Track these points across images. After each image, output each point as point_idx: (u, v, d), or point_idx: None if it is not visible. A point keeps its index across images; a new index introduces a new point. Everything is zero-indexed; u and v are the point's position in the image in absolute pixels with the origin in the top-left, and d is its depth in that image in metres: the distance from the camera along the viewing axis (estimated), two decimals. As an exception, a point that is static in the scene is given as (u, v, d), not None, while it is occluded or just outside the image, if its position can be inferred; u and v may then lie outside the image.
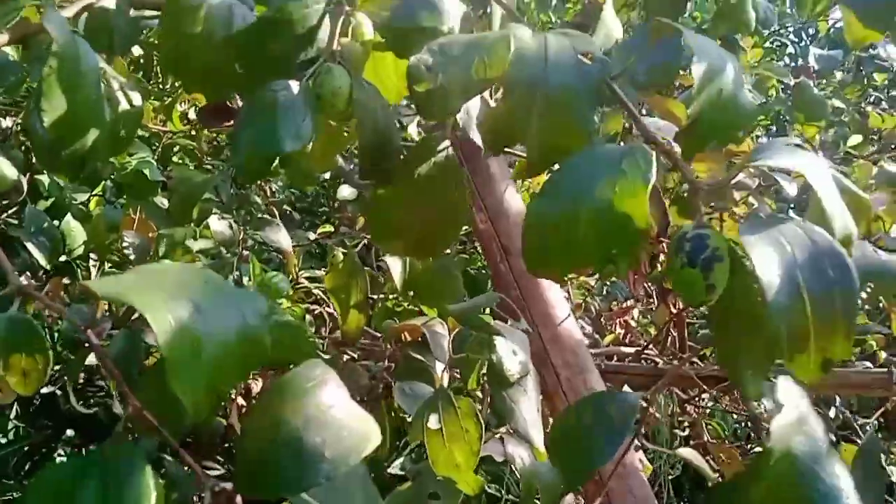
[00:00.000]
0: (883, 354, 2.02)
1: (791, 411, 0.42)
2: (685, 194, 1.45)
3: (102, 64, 0.62)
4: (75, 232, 1.49)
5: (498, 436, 0.95)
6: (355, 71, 0.55)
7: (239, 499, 0.37)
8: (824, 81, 1.89)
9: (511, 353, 0.79)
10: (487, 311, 0.93)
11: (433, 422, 0.81)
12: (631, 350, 1.74)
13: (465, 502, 0.88)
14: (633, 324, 2.04)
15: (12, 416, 1.69)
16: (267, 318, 0.44)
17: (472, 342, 0.84)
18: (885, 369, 1.41)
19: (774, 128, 2.36)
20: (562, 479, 0.52)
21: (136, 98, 0.63)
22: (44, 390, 1.81)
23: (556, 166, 0.53)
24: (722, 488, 0.43)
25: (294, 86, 0.52)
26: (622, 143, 1.24)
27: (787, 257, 0.42)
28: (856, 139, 1.84)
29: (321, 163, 0.77)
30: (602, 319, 2.10)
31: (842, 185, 0.48)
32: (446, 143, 0.58)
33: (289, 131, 0.50)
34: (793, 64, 1.73)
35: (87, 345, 0.99)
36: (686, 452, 0.60)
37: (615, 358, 1.71)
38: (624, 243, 0.48)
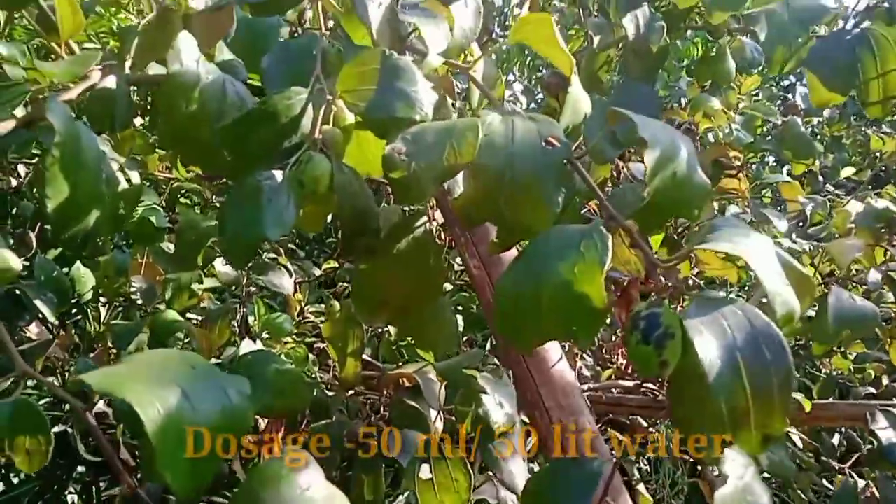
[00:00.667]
0: (885, 380, 2.04)
1: (735, 482, 0.46)
2: (675, 235, 1.48)
3: (103, 146, 0.67)
4: (84, 277, 1.53)
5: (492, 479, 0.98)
6: (336, 155, 0.59)
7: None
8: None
9: (497, 405, 0.82)
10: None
11: (424, 472, 0.84)
12: (631, 383, 1.76)
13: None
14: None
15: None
16: (249, 396, 0.48)
17: (462, 392, 0.88)
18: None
19: (774, 160, 2.39)
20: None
21: (135, 177, 0.67)
22: (55, 429, 1.85)
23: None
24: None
25: (278, 174, 0.56)
26: (613, 186, 1.27)
27: (728, 340, 0.45)
28: (849, 170, 1.87)
29: (311, 226, 0.81)
30: (604, 350, 2.13)
31: (786, 263, 0.51)
32: (424, 219, 0.62)
33: (272, 218, 0.54)
34: (779, 102, 1.76)
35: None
36: None
37: (616, 391, 1.73)
38: (583, 321, 0.51)
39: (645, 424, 2.02)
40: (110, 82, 0.75)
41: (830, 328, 0.88)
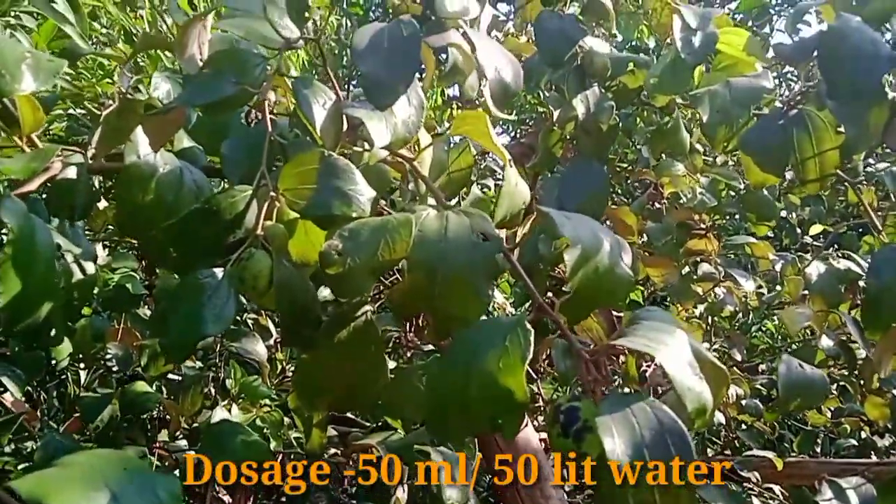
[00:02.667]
0: (864, 434, 2.05)
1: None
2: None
3: (59, 238, 0.69)
4: (61, 346, 1.54)
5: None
6: (278, 250, 0.62)
7: None
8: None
9: (451, 482, 0.83)
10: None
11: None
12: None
13: None
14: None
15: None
16: (178, 497, 0.49)
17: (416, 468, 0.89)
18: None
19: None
20: None
21: (90, 267, 0.69)
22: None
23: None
24: None
25: (218, 272, 0.58)
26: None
27: (636, 438, 0.47)
28: (816, 228, 1.91)
29: (270, 303, 0.84)
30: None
31: (701, 357, 0.54)
32: (365, 308, 0.64)
33: (211, 316, 0.56)
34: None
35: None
36: None
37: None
38: (507, 413, 0.53)
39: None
40: (71, 173, 0.78)
41: (780, 397, 0.90)
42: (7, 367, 1.05)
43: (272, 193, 0.63)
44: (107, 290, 1.49)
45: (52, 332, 0.66)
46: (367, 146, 0.76)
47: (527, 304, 1.58)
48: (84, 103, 1.33)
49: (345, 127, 0.73)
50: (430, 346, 1.88)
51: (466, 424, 0.54)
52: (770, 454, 1.53)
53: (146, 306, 1.63)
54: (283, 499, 1.33)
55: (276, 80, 0.76)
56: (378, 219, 0.61)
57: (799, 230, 2.79)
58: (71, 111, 1.37)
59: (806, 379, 0.91)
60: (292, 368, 1.83)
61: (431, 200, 0.71)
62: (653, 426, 0.48)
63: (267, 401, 1.64)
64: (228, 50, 0.68)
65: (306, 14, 0.69)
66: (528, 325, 0.54)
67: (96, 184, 0.86)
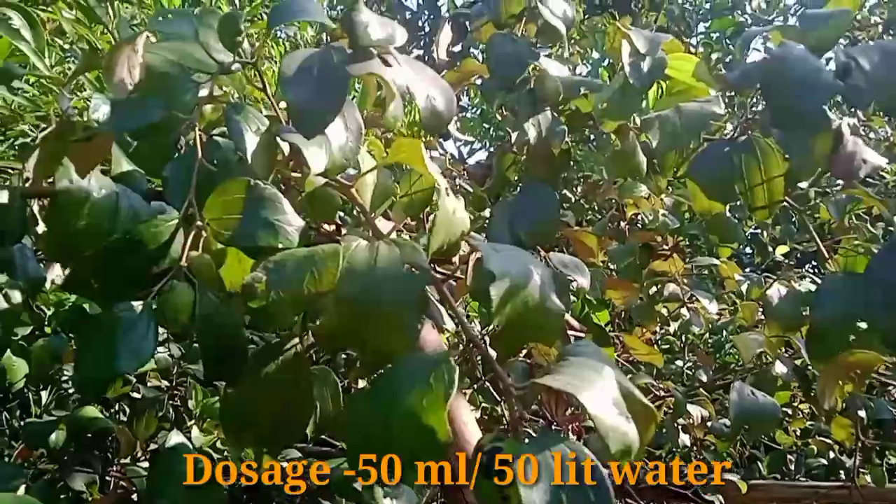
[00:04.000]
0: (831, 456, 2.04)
1: None
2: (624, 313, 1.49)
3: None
4: (16, 366, 1.51)
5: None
6: (203, 283, 0.60)
7: None
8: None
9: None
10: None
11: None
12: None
13: None
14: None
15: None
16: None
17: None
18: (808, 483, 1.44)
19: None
20: None
21: (16, 296, 0.67)
22: None
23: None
24: None
25: (137, 305, 0.57)
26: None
27: (551, 486, 0.46)
28: (783, 249, 1.91)
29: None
30: (553, 427, 2.12)
31: (628, 395, 0.52)
32: (294, 341, 0.63)
33: (127, 351, 0.54)
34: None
35: None
36: None
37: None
38: (429, 453, 0.52)
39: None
40: (3, 198, 0.76)
41: (732, 424, 0.89)
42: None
43: (198, 223, 0.61)
44: (63, 310, 1.47)
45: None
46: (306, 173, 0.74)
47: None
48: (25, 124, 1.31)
49: (286, 152, 0.71)
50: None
51: (392, 464, 0.53)
52: (734, 477, 1.52)
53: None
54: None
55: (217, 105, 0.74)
56: (304, 250, 0.59)
57: (770, 248, 2.80)
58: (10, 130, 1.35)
59: (757, 406, 0.90)
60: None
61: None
62: (573, 470, 0.46)
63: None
64: (157, 74, 0.66)
65: (239, 38, 0.68)
66: (453, 362, 0.53)
67: (35, 208, 0.84)
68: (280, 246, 0.59)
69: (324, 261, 0.58)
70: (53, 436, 1.21)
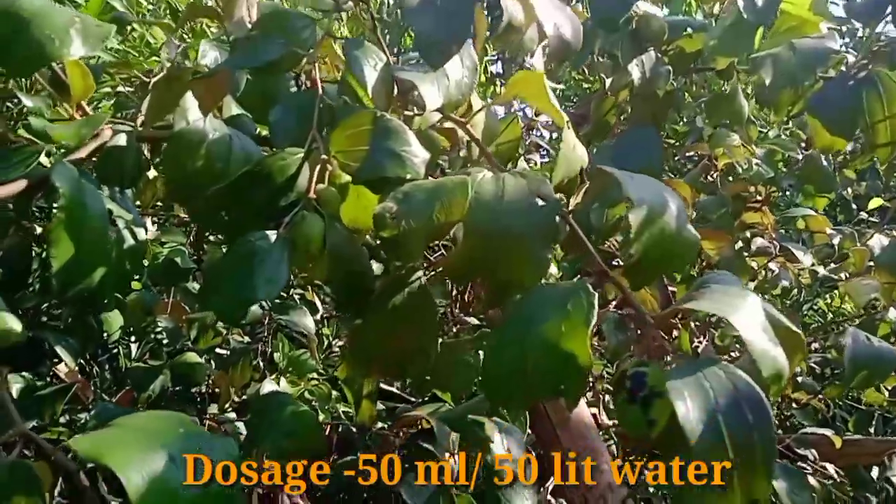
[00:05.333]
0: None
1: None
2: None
3: (109, 204, 0.69)
4: (111, 318, 1.56)
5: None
6: (330, 215, 0.60)
7: None
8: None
9: (505, 452, 0.82)
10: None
11: (434, 518, 0.84)
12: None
13: None
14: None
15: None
16: (238, 459, 0.49)
17: (471, 439, 0.87)
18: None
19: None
20: None
21: (141, 233, 0.69)
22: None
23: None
24: None
25: (271, 235, 0.57)
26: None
27: (710, 403, 0.45)
28: (876, 202, 1.84)
29: (320, 274, 0.83)
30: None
31: (775, 322, 0.51)
32: (419, 273, 0.63)
33: (264, 279, 0.55)
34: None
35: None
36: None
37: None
38: (570, 379, 0.51)
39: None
40: (121, 140, 0.77)
41: (846, 370, 0.87)
42: (61, 338, 1.06)
43: (324, 156, 0.62)
44: (156, 263, 1.50)
45: (105, 300, 0.66)
46: (417, 112, 0.74)
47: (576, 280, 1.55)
48: (131, 80, 1.33)
49: (394, 92, 0.71)
50: (477, 322, 1.87)
51: (527, 391, 0.52)
52: (828, 431, 1.49)
53: (194, 280, 1.64)
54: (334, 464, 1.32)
55: (324, 47, 0.74)
56: (433, 181, 0.59)
57: (854, 206, 2.71)
58: (119, 88, 1.37)
59: (874, 352, 0.87)
60: (339, 343, 1.83)
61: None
62: (727, 392, 0.45)
63: (315, 374, 1.65)
64: (277, 12, 0.66)
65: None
66: (591, 288, 0.52)
67: (145, 153, 0.85)
68: (408, 177, 0.59)
69: (452, 191, 0.57)
70: (158, 381, 1.24)
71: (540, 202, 0.58)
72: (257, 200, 0.61)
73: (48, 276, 1.23)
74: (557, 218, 0.58)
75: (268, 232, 0.57)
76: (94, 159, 0.77)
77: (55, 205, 0.61)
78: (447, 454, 0.97)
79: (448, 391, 1.16)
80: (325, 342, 1.85)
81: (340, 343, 1.83)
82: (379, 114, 0.60)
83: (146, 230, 1.00)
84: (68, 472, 0.49)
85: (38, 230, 1.17)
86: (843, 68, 0.84)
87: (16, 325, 0.53)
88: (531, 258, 0.57)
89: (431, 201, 0.57)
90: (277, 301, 1.59)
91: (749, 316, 0.49)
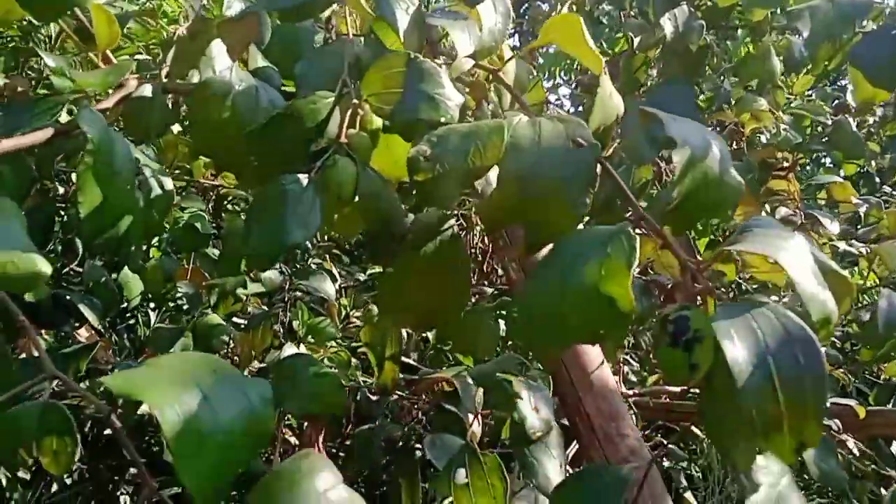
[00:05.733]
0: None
1: (768, 490, 0.44)
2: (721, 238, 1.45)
3: (136, 153, 0.68)
4: (132, 283, 1.56)
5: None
6: (362, 160, 0.59)
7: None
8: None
9: (533, 410, 0.81)
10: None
11: (460, 477, 0.83)
12: (678, 389, 1.72)
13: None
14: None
15: (77, 457, 1.77)
16: (270, 402, 0.48)
17: (498, 397, 0.87)
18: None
19: (830, 162, 2.33)
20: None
21: (168, 183, 0.68)
22: (107, 432, 1.89)
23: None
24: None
25: (303, 178, 0.56)
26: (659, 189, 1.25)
27: (759, 344, 0.43)
28: (905, 171, 1.81)
29: (347, 229, 0.81)
30: (651, 356, 2.09)
31: (824, 267, 0.49)
32: (451, 222, 0.61)
33: (296, 223, 0.54)
34: (834, 102, 1.72)
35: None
36: None
37: (664, 397, 1.70)
38: (611, 324, 0.50)
39: (696, 431, 1.98)
40: (146, 91, 0.76)
41: (881, 330, 0.85)
42: (85, 297, 1.06)
43: (355, 101, 0.60)
44: (176, 228, 1.50)
45: (132, 248, 0.65)
46: (447, 61, 0.72)
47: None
48: (150, 48, 1.32)
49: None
50: (496, 291, 1.85)
51: (564, 335, 0.51)
52: (852, 402, 1.47)
53: (214, 246, 1.64)
54: (352, 431, 1.32)
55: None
56: (468, 124, 0.57)
57: (878, 180, 2.67)
58: (139, 55, 1.36)
59: (910, 313, 0.86)
60: (357, 314, 1.83)
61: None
62: (777, 333, 0.44)
63: (334, 343, 1.64)
64: (307, -46, 0.65)
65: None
66: (632, 231, 0.51)
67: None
68: (442, 120, 0.57)
69: (488, 135, 0.56)
70: (179, 342, 1.24)
71: (577, 146, 0.56)
72: (287, 145, 0.59)
73: (70, 237, 1.23)
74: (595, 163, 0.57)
75: (300, 176, 0.56)
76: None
77: (84, 150, 0.60)
78: (471, 415, 0.97)
79: (471, 355, 1.15)
80: (343, 313, 1.85)
81: (358, 314, 1.82)
82: (413, 55, 0.59)
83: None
84: (101, 413, 0.48)
85: (61, 191, 1.16)
86: (885, 20, 0.82)
87: (45, 267, 0.52)
88: (568, 203, 0.55)
89: (467, 144, 0.55)
90: (297, 267, 1.58)
91: (797, 257, 0.47)
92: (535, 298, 0.53)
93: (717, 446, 0.52)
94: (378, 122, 0.61)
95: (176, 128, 1.14)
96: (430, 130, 0.57)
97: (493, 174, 0.63)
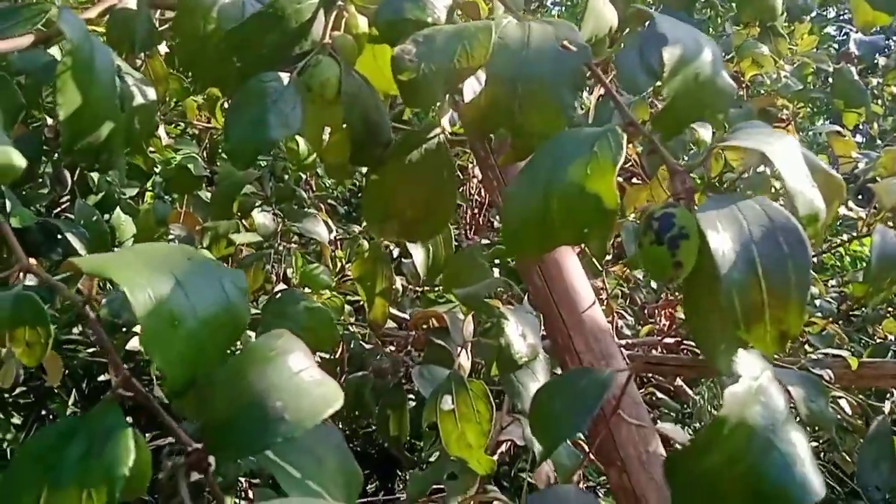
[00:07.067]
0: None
1: (748, 381, 0.43)
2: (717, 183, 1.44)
3: (118, 61, 0.66)
4: (125, 225, 1.55)
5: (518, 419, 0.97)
6: (347, 62, 0.58)
7: (211, 458, 0.40)
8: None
9: (520, 336, 0.80)
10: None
11: (446, 403, 0.83)
12: (671, 340, 1.72)
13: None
14: (681, 316, 2.03)
15: (70, 402, 1.78)
16: (246, 292, 0.47)
17: (486, 327, 0.86)
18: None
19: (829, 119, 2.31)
20: (540, 447, 0.54)
21: (150, 93, 0.67)
22: (101, 378, 1.89)
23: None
24: (676, 457, 0.44)
25: (284, 77, 0.55)
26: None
27: (743, 233, 0.43)
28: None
29: (337, 154, 0.80)
30: (646, 311, 2.09)
31: (813, 165, 0.48)
32: (437, 130, 0.60)
33: (277, 120, 0.53)
34: (834, 50, 1.69)
35: (124, 329, 1.05)
36: (667, 427, 0.61)
37: (659, 349, 1.70)
38: (595, 222, 0.49)
39: (689, 391, 1.98)
40: (130, 2, 0.75)
41: (873, 268, 0.84)
42: (73, 226, 1.05)
43: (340, 2, 0.59)
44: (169, 168, 1.49)
45: (113, 157, 0.64)
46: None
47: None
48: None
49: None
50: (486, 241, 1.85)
51: (549, 237, 0.50)
52: (845, 353, 1.47)
53: (207, 189, 1.63)
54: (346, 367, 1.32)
55: None
56: (454, 25, 0.56)
57: (879, 142, 2.66)
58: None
59: (903, 249, 0.85)
60: (350, 267, 1.82)
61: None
62: (762, 223, 0.43)
63: (327, 291, 1.64)
64: None
65: None
66: (619, 130, 0.50)
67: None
68: (429, 20, 0.56)
69: (475, 35, 0.54)
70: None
71: (567, 49, 0.55)
72: (269, 46, 0.58)
73: (58, 169, 1.22)
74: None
75: (281, 74, 0.55)
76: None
77: (63, 52, 0.59)
78: (459, 348, 0.96)
79: (462, 294, 1.15)
80: (339, 265, 1.84)
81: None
82: (398, -47, 0.57)
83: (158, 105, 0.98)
84: (77, 306, 0.48)
85: (49, 122, 1.15)
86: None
87: (19, 160, 0.51)
88: (556, 105, 0.54)
89: (453, 44, 0.54)
90: (291, 209, 1.57)
91: (786, 152, 0.46)
92: (520, 201, 0.52)
93: (701, 350, 0.52)
94: (364, 25, 0.60)
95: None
96: (415, 31, 0.55)
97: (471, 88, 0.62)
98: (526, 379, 0.81)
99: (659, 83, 0.54)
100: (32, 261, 0.49)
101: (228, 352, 0.45)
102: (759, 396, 0.43)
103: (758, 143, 0.46)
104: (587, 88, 1.29)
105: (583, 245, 1.33)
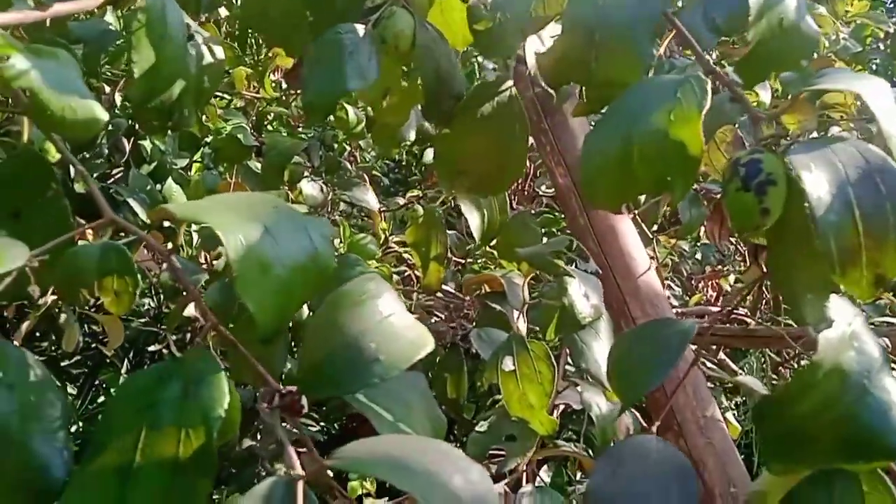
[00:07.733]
0: None
1: (842, 327, 0.43)
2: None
3: (187, 20, 0.67)
4: (176, 195, 1.57)
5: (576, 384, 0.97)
6: (420, 15, 0.57)
7: (304, 399, 0.40)
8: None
9: (583, 296, 0.80)
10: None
11: (507, 364, 0.83)
12: (717, 308, 1.71)
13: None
14: (727, 287, 2.01)
15: (123, 370, 1.81)
16: (332, 242, 0.47)
17: (546, 289, 0.86)
18: None
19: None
20: (619, 399, 0.54)
21: (219, 52, 0.67)
22: (151, 348, 1.93)
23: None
24: (768, 402, 0.44)
25: (360, 29, 0.55)
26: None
27: (839, 175, 0.42)
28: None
29: (397, 115, 0.80)
30: (693, 282, 2.07)
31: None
32: (508, 83, 0.60)
33: (354, 71, 0.53)
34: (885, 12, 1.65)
35: (184, 293, 1.06)
36: (747, 379, 0.61)
37: (705, 318, 1.68)
38: (679, 169, 0.48)
39: (734, 367, 1.96)
40: (195, -37, 0.75)
41: None
42: (133, 192, 1.06)
43: (412, -45, 0.58)
44: (219, 138, 1.50)
45: (185, 114, 0.64)
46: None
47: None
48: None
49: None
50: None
51: (631, 185, 0.50)
52: (902, 321, 1.44)
53: (256, 160, 1.64)
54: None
55: None
56: (530, -26, 0.55)
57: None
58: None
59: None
60: (395, 239, 1.83)
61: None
62: (858, 164, 0.42)
63: (374, 261, 1.65)
64: None
65: None
66: (702, 76, 0.49)
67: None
68: (503, -30, 0.55)
69: (551, -17, 0.54)
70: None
71: (644, -4, 0.54)
72: (341, 1, 0.58)
73: (112, 129, 1.24)
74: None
75: (356, 26, 0.55)
76: None
77: (137, 10, 0.59)
78: (516, 312, 0.96)
79: (514, 261, 1.15)
80: (382, 237, 1.85)
81: (397, 239, 1.82)
82: None
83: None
84: (161, 254, 0.48)
85: (107, 90, 1.17)
86: None
87: (101, 113, 0.52)
88: (635, 55, 0.54)
89: (529, -7, 0.54)
90: (340, 179, 1.58)
91: (879, 92, 0.45)
92: (600, 149, 0.51)
93: (785, 300, 0.51)
94: (435, -22, 0.60)
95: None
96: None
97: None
98: (589, 339, 0.81)
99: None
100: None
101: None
102: (853, 342, 0.42)
103: (850, 84, 0.45)
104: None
105: (635, 211, 1.32)
